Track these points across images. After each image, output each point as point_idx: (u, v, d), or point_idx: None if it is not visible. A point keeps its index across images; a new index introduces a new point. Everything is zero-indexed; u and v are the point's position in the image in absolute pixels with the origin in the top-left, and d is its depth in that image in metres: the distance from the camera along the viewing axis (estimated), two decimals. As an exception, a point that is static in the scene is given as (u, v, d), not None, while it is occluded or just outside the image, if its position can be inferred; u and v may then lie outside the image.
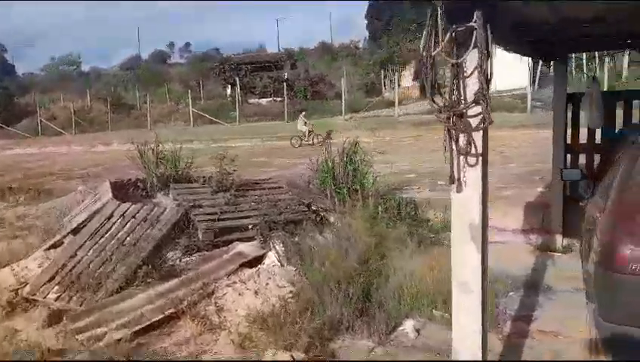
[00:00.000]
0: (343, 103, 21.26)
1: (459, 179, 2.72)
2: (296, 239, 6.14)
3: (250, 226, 6.06)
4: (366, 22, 79.64)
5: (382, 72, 28.88)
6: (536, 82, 25.49)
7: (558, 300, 4.97)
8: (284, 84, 28.08)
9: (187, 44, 75.79)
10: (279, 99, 28.53)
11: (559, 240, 6.57)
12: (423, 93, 29.42)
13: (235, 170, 6.79)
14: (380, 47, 39.43)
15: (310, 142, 18.70)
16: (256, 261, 5.72)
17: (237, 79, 27.24)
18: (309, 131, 19.08)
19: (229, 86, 29.29)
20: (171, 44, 76.38)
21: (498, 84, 25.61)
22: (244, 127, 23.00)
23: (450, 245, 2.94)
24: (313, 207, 6.80)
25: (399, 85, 28.92)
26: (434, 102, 2.70)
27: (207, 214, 6.00)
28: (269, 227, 6.04)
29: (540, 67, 25.95)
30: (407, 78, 28.56)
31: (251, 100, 28.35)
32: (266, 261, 5.76)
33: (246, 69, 29.88)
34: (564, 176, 5.16)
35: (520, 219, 7.13)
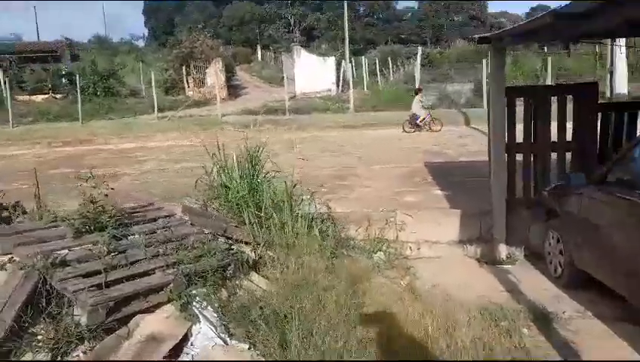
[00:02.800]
0: (155, 101, 18.21)
1: None
2: (226, 294, 4.17)
3: (154, 285, 3.79)
4: (144, 19, 74.61)
5: (183, 69, 26.27)
6: (341, 85, 26.34)
7: (585, 332, 4.13)
8: (67, 78, 23.30)
9: None
10: (59, 96, 23.58)
11: (503, 250, 5.93)
12: (230, 93, 27.97)
13: (106, 195, 4.32)
14: (165, 44, 36.76)
15: (427, 127, 15.84)
16: (180, 342, 3.57)
17: (0, 72, 21.35)
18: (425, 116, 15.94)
19: (-15, 80, 22.96)
20: None
21: (305, 85, 25.83)
22: (20, 130, 18.07)
23: None
24: (229, 241, 4.82)
25: (204, 84, 26.88)
26: None
27: (85, 277, 3.54)
28: (187, 282, 3.91)
29: (342, 69, 26.92)
30: (212, 77, 26.51)
31: (20, 97, 22.69)
32: (197, 338, 3.65)
33: (10, 59, 23.85)
34: (572, 181, 4.39)
35: (452, 229, 6.30)
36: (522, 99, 5.98)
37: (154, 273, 3.85)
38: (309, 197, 5.71)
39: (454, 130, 16.37)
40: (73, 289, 3.33)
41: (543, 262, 5.63)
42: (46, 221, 4.33)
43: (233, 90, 29.54)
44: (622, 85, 7.46)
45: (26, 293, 3.25)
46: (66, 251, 3.79)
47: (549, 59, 19.23)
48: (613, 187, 4.14)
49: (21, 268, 3.45)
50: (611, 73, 7.46)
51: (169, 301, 3.75)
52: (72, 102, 22.03)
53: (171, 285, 3.79)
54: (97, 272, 3.59)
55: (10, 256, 3.83)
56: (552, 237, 5.14)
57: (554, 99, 5.90)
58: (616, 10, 2.88)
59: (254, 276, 4.66)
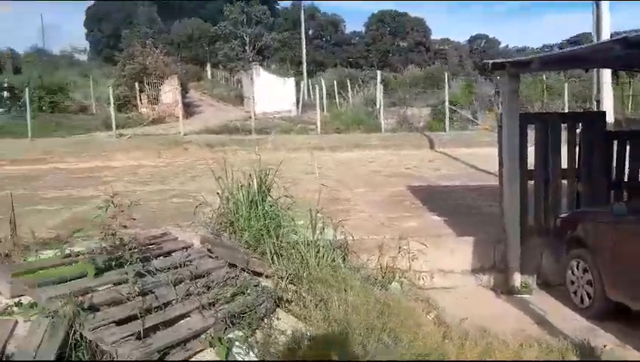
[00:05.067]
0: (113, 118, 17.23)
1: None
2: (261, 336, 3.76)
3: (196, 331, 3.34)
4: (85, 31, 71.71)
5: (136, 85, 25.26)
6: (300, 106, 26.22)
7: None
8: (9, 92, 21.82)
9: None
10: (0, 110, 21.98)
11: (517, 279, 5.84)
12: (185, 111, 27.11)
13: (131, 220, 3.82)
14: (112, 59, 35.68)
15: None
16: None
17: None
18: None
19: None
20: None
21: (265, 105, 25.48)
22: (-40, 146, 16.54)
23: None
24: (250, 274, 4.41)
25: (158, 101, 25.97)
26: None
27: (119, 324, 3.05)
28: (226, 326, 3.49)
29: (302, 90, 26.84)
30: (167, 94, 25.65)
31: (-46, 111, 20.96)
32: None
33: (-55, 69, 22.08)
34: (615, 211, 4.34)
35: (465, 258, 6.15)
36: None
37: (189, 316, 3.40)
38: (325, 224, 5.40)
39: (421, 153, 16.58)
40: (111, 340, 2.85)
41: (557, 290, 5.61)
42: (60, 256, 3.76)
43: (187, 108, 28.69)
44: (609, 115, 7.74)
45: (57, 346, 2.73)
46: (90, 293, 3.27)
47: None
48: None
49: (47, 316, 2.91)
50: (598, 102, 7.76)
51: (210, 346, 3.32)
52: (14, 117, 20.57)
53: (211, 329, 3.36)
54: (131, 318, 3.11)
55: (17, 299, 3.26)
56: (578, 267, 5.09)
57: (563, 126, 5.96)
58: None
59: (281, 314, 4.28)
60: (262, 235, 4.82)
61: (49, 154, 14.93)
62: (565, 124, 6.02)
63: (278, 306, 4.34)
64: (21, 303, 3.25)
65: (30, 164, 14.28)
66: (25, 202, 8.80)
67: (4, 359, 2.64)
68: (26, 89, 17.83)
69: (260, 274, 4.58)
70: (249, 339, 3.62)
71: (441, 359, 3.63)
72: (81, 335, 2.91)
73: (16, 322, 2.95)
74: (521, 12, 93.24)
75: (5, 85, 22.75)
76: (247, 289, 3.82)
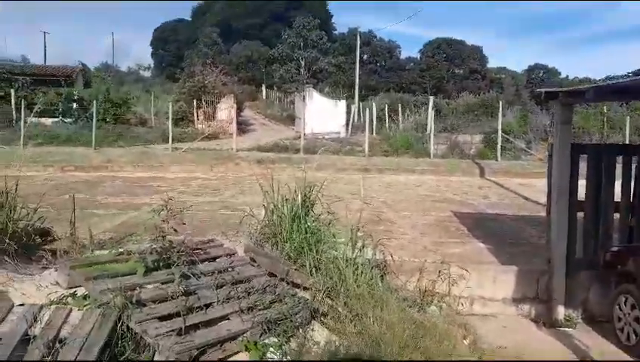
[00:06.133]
0: (170, 132, 18.11)
1: None
2: (295, 345, 3.86)
3: (233, 333, 3.48)
4: (151, 50, 75.63)
5: (194, 102, 26.33)
6: (350, 128, 26.45)
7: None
8: (78, 103, 23.26)
9: None
10: (69, 120, 23.38)
11: (561, 312, 5.67)
12: (239, 129, 27.97)
13: (182, 225, 4.06)
14: (173, 77, 37.06)
15: None
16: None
17: (12, 92, 21.19)
18: None
19: (-6, 100, 22.76)
20: None
21: (315, 126, 25.86)
22: (31, 152, 17.75)
23: None
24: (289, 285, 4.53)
25: (214, 118, 26.92)
26: None
27: (162, 319, 3.24)
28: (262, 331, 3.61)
29: (353, 113, 27.10)
30: (223, 111, 26.58)
31: (29, 119, 22.47)
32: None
33: (24, 81, 23.77)
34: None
35: (507, 286, 6.03)
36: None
37: (229, 318, 3.56)
38: (365, 243, 5.47)
39: (470, 180, 16.32)
40: (154, 333, 3.03)
41: (603, 326, 5.41)
42: (114, 254, 4.04)
43: (241, 126, 29.54)
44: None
45: (106, 335, 2.94)
46: (138, 289, 3.49)
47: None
48: None
49: (98, 306, 3.15)
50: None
51: (246, 349, 3.45)
52: (81, 127, 21.87)
53: (248, 333, 3.50)
54: (174, 314, 3.30)
55: (73, 290, 3.53)
56: (626, 303, 4.91)
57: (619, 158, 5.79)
58: None
59: (316, 326, 4.37)
60: (303, 249, 4.95)
61: (110, 163, 15.79)
62: (621, 156, 5.85)
63: (314, 318, 4.43)
64: (75, 294, 3.52)
65: (92, 171, 15.16)
66: (85, 206, 9.38)
67: (57, 342, 2.87)
68: (94, 102, 19.01)
69: (298, 286, 4.70)
70: (283, 347, 3.72)
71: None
72: (127, 326, 3.12)
73: (71, 310, 3.20)
74: (587, 42, 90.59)
75: (75, 97, 24.27)
76: (284, 298, 3.94)
